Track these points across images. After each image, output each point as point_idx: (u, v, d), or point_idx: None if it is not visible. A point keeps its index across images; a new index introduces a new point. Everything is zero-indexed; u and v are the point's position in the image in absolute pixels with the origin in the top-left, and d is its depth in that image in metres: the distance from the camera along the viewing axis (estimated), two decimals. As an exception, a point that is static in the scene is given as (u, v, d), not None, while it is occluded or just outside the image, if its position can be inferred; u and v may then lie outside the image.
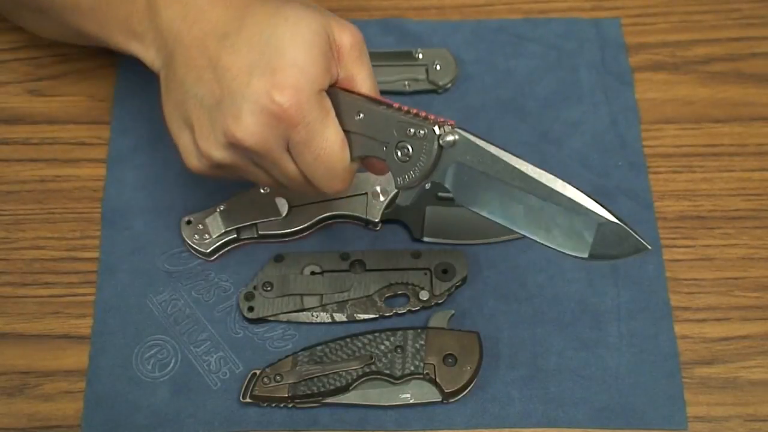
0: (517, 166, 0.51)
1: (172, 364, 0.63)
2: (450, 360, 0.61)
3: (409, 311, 0.64)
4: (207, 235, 0.64)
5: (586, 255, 0.51)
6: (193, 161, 0.56)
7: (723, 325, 0.64)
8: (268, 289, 0.64)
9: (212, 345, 0.63)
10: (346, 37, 0.54)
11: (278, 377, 0.60)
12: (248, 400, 0.61)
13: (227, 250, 0.66)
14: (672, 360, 0.62)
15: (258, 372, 0.61)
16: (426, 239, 0.66)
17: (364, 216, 0.66)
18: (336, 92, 0.54)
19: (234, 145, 0.53)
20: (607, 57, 0.73)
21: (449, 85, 0.72)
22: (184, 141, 0.56)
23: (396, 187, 0.54)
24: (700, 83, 0.72)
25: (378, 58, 0.72)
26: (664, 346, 0.63)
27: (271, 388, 0.60)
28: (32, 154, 0.70)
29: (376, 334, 0.61)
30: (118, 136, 0.70)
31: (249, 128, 0.52)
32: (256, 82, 0.51)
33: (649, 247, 0.50)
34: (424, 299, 0.64)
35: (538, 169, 0.51)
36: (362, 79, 0.55)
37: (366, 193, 0.66)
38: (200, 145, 0.54)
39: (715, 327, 0.64)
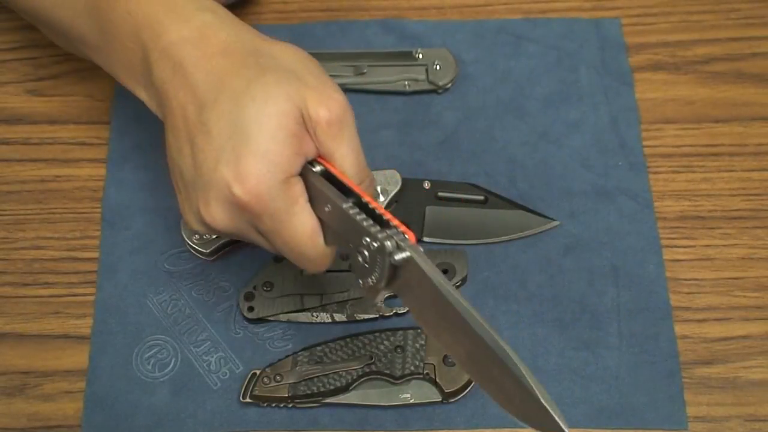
0: (460, 311, 0.46)
1: (172, 364, 0.63)
2: (450, 360, 0.61)
3: (409, 311, 0.64)
4: (207, 235, 0.64)
5: (513, 415, 0.46)
6: (189, 221, 0.55)
7: (723, 325, 0.64)
8: (268, 289, 0.64)
9: (212, 345, 0.63)
10: (323, 111, 0.51)
11: (278, 377, 0.60)
12: (248, 400, 0.61)
13: (227, 250, 0.66)
14: (672, 360, 0.62)
15: (258, 372, 0.61)
16: (426, 239, 0.66)
17: (364, 216, 0.65)
18: (310, 174, 0.51)
19: (210, 228, 0.53)
20: (607, 57, 0.73)
21: (449, 85, 0.72)
22: (179, 200, 0.56)
23: (360, 288, 0.51)
24: (700, 83, 0.72)
25: (378, 58, 0.72)
26: (664, 346, 0.63)
27: (271, 388, 0.60)
28: (32, 154, 0.70)
29: (376, 334, 0.61)
30: (118, 136, 0.70)
31: (215, 216, 0.51)
32: (221, 170, 0.50)
33: (566, 430, 0.45)
34: (424, 299, 0.63)
35: (480, 321, 0.45)
36: (342, 156, 0.52)
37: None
38: (185, 214, 0.55)
39: (715, 327, 0.64)
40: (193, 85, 0.52)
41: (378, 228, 0.49)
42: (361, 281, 0.50)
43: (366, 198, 0.50)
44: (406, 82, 0.71)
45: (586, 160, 0.69)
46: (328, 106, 0.51)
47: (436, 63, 0.71)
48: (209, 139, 0.51)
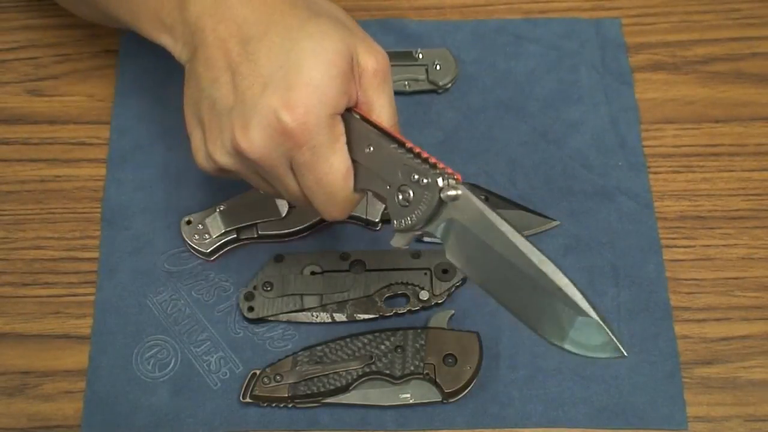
0: (513, 239, 0.48)
1: (172, 364, 0.63)
2: (450, 360, 0.61)
3: (409, 311, 0.64)
4: (207, 235, 0.64)
5: (562, 344, 0.48)
6: (200, 160, 0.55)
7: (723, 325, 0.64)
8: (268, 289, 0.64)
9: (212, 345, 0.63)
10: (371, 61, 0.52)
11: (278, 377, 0.60)
12: (248, 400, 0.61)
13: (227, 250, 0.66)
14: (672, 360, 0.62)
15: (258, 372, 0.61)
16: (426, 239, 0.66)
17: (364, 216, 0.66)
18: (351, 118, 0.52)
19: (239, 154, 0.52)
20: (607, 57, 0.73)
21: (449, 85, 0.72)
22: (195, 138, 0.55)
23: (393, 229, 0.52)
24: (700, 83, 0.72)
25: (378, 58, 0.72)
26: (664, 346, 0.63)
27: (271, 388, 0.60)
28: (32, 154, 0.70)
29: (376, 334, 0.61)
30: (118, 136, 0.70)
31: (254, 141, 0.51)
32: (268, 96, 0.50)
33: (626, 354, 0.47)
34: (424, 299, 0.64)
35: (533, 248, 0.48)
36: (381, 107, 0.53)
37: (366, 193, 0.66)
38: (208, 147, 0.54)
39: (715, 327, 0.64)
40: (238, 19, 0.52)
41: (427, 166, 0.50)
42: (395, 221, 0.51)
43: (408, 143, 0.51)
44: (406, 82, 0.71)
45: (586, 160, 0.69)
46: (375, 56, 0.53)
47: (436, 63, 0.71)
48: (256, 67, 0.51)
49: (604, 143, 0.70)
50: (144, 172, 0.69)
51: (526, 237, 0.49)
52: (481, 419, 0.61)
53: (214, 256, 0.65)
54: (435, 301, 0.64)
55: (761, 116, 0.71)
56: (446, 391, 0.60)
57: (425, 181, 0.50)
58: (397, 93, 0.71)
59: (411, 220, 0.51)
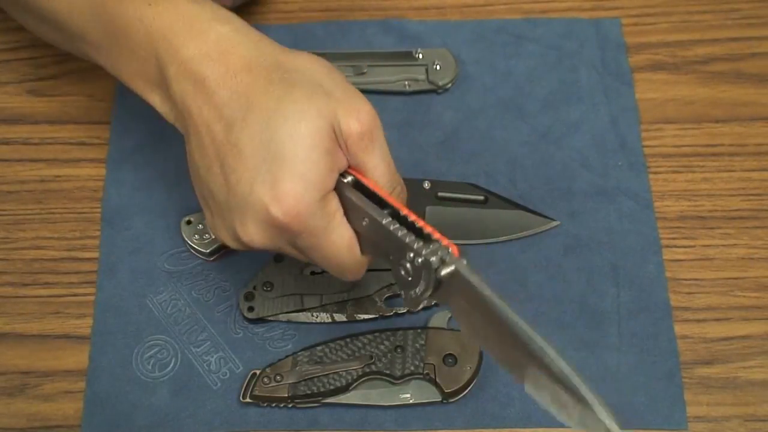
0: (511, 319, 0.46)
1: (172, 364, 0.63)
2: (450, 360, 0.61)
3: (409, 311, 0.64)
4: (207, 235, 0.64)
5: (570, 425, 0.46)
6: (221, 237, 0.55)
7: (723, 325, 0.64)
8: (268, 289, 0.64)
9: (212, 345, 0.63)
10: (355, 125, 0.51)
11: (278, 377, 0.60)
12: (248, 400, 0.61)
13: (227, 250, 0.65)
14: (672, 360, 0.62)
15: (258, 372, 0.61)
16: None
17: (364, 216, 0.66)
18: (344, 188, 0.51)
19: (242, 244, 0.53)
20: (607, 57, 0.73)
21: (449, 85, 0.72)
22: (207, 215, 0.56)
23: (405, 299, 0.52)
24: (700, 83, 0.72)
25: (378, 58, 0.72)
26: (664, 346, 0.63)
27: (271, 388, 0.60)
28: (32, 154, 0.70)
29: (376, 334, 0.61)
30: (118, 136, 0.70)
31: (253, 235, 0.51)
32: (257, 192, 0.50)
33: None
34: (424, 299, 0.63)
35: (530, 330, 0.46)
36: (374, 167, 0.52)
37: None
38: (217, 232, 0.54)
39: (715, 327, 0.64)
40: (219, 103, 0.51)
41: (420, 243, 0.49)
42: (404, 292, 0.51)
43: (404, 210, 0.51)
44: (406, 82, 0.71)
45: (586, 160, 0.69)
46: (358, 118, 0.51)
47: (436, 63, 0.71)
48: (242, 160, 0.50)
49: (604, 143, 0.70)
50: (144, 172, 0.69)
51: (522, 320, 0.46)
52: (481, 419, 0.61)
53: (214, 256, 0.65)
54: (435, 301, 0.64)
55: (761, 116, 0.71)
56: (446, 391, 0.60)
57: (419, 260, 0.49)
58: (397, 93, 0.72)
59: (417, 293, 0.50)
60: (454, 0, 0.76)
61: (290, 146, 0.49)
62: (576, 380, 0.44)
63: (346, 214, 0.52)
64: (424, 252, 0.49)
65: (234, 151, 0.50)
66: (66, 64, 0.73)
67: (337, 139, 0.51)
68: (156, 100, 0.56)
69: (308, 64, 0.53)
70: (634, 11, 0.75)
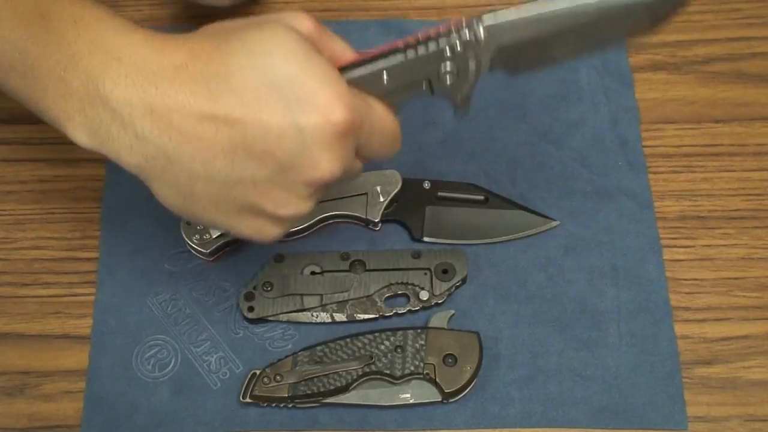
0: (552, 9, 0.51)
1: (172, 364, 0.63)
2: (450, 360, 0.61)
3: (409, 311, 0.64)
4: (207, 235, 0.64)
5: (649, 27, 0.54)
6: (272, 232, 0.52)
7: (723, 325, 0.64)
8: (268, 289, 0.64)
9: (212, 345, 0.63)
10: (307, 23, 0.51)
11: (278, 377, 0.60)
12: (248, 400, 0.61)
13: (227, 250, 0.66)
14: (672, 360, 0.62)
15: (258, 372, 0.61)
16: (426, 239, 0.66)
17: (364, 216, 0.66)
18: (348, 74, 0.52)
19: (321, 186, 0.50)
20: (607, 57, 0.73)
21: (449, 85, 0.72)
22: (251, 224, 0.52)
23: (455, 105, 0.54)
24: (700, 83, 0.72)
25: (378, 58, 0.72)
26: (664, 346, 0.63)
27: (271, 388, 0.60)
28: (32, 154, 0.70)
29: (376, 334, 0.61)
30: (118, 136, 0.70)
31: (330, 163, 0.49)
32: (305, 121, 0.47)
33: None
34: (424, 299, 0.64)
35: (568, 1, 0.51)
36: (342, 50, 0.53)
37: (366, 193, 0.66)
38: (281, 214, 0.51)
39: (715, 327, 0.64)
40: (194, 83, 0.48)
41: (444, 38, 0.51)
42: (457, 97, 0.53)
43: (400, 44, 0.52)
44: (406, 82, 0.71)
45: (586, 160, 0.69)
46: (304, 17, 0.51)
47: (436, 63, 0.71)
48: (267, 118, 0.47)
49: (604, 143, 0.70)
50: (144, 172, 0.69)
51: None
52: (481, 419, 0.61)
53: (214, 256, 0.65)
54: (435, 301, 0.64)
55: (761, 116, 0.71)
56: (446, 391, 0.60)
57: (459, 49, 0.51)
58: (397, 93, 0.71)
59: (470, 83, 0.53)
60: (454, 0, 0.76)
61: (293, 66, 0.48)
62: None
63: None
64: (454, 37, 0.51)
65: (249, 118, 0.47)
66: (66, 64, 0.73)
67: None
68: (78, 132, 0.50)
69: (212, 28, 0.51)
70: (634, 11, 0.75)
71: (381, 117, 0.52)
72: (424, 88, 0.53)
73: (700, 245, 0.66)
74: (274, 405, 0.61)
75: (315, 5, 0.75)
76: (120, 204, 0.68)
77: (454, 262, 0.64)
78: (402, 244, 0.66)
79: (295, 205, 0.51)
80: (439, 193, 0.66)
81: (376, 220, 0.66)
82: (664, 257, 0.66)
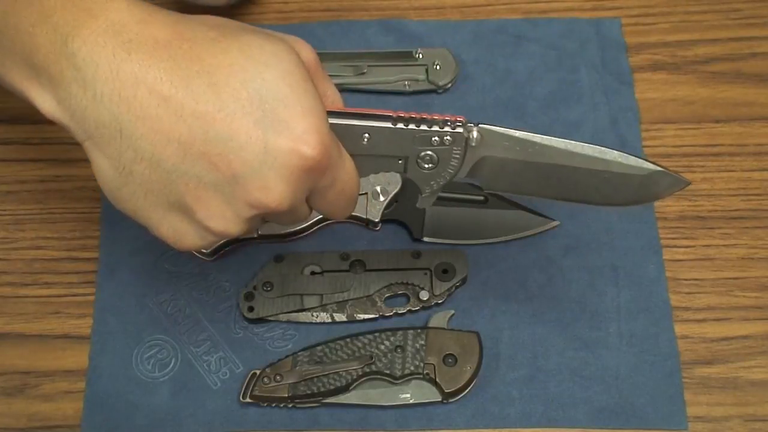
0: (544, 143, 0.52)
1: (172, 364, 0.63)
2: (450, 360, 0.61)
3: (409, 311, 0.64)
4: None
5: (635, 202, 0.53)
6: (189, 241, 0.49)
7: (723, 325, 0.64)
8: (268, 289, 0.64)
9: (212, 345, 0.63)
10: (309, 54, 0.50)
11: (278, 377, 0.60)
12: (248, 400, 0.61)
13: (227, 250, 0.66)
14: (672, 360, 0.62)
15: (258, 372, 0.61)
16: (426, 239, 0.66)
17: (364, 216, 0.66)
18: (332, 119, 0.49)
19: (260, 213, 0.48)
20: (607, 57, 0.73)
21: (449, 85, 0.72)
22: (173, 225, 0.48)
23: (421, 195, 0.54)
24: (700, 83, 0.72)
25: (378, 58, 0.72)
26: (664, 346, 0.63)
27: (271, 388, 0.60)
28: (32, 154, 0.70)
29: (376, 334, 0.61)
30: (118, 136, 0.70)
31: (281, 194, 0.46)
32: (274, 143, 0.45)
33: (689, 182, 0.53)
34: (424, 299, 0.64)
35: (563, 141, 0.52)
36: (333, 94, 0.52)
37: (366, 193, 0.66)
38: (209, 225, 0.47)
39: (715, 327, 0.64)
40: (166, 67, 0.45)
41: (436, 126, 0.51)
42: (425, 187, 0.54)
43: (393, 113, 0.51)
44: (406, 82, 0.71)
45: (586, 160, 0.69)
46: (307, 47, 0.50)
47: (436, 63, 0.71)
48: (236, 123, 0.45)
49: (604, 143, 0.69)
50: (144, 172, 0.69)
51: (554, 138, 0.52)
52: (481, 419, 0.61)
53: (214, 256, 0.65)
54: (435, 301, 0.64)
55: (761, 116, 0.71)
56: (446, 391, 0.60)
57: (448, 139, 0.51)
58: (397, 93, 0.72)
59: (443, 178, 0.53)
60: (454, 0, 0.76)
61: (285, 86, 0.46)
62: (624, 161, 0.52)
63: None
64: (447, 130, 0.51)
65: (221, 116, 0.45)
66: (66, 64, 0.73)
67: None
68: (39, 91, 0.48)
69: (214, 19, 0.49)
70: (634, 11, 0.75)
71: (347, 173, 0.50)
72: (399, 163, 0.52)
73: (700, 245, 0.66)
74: (274, 405, 0.61)
75: (315, 5, 0.75)
76: (120, 204, 0.68)
77: (454, 262, 0.64)
78: (402, 244, 0.66)
79: (226, 222, 0.47)
80: (440, 193, 0.66)
81: (376, 220, 0.66)
82: (664, 257, 0.66)
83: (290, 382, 0.60)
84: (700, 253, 0.66)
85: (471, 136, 0.51)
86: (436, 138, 0.51)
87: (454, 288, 0.64)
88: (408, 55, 0.72)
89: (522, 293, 0.65)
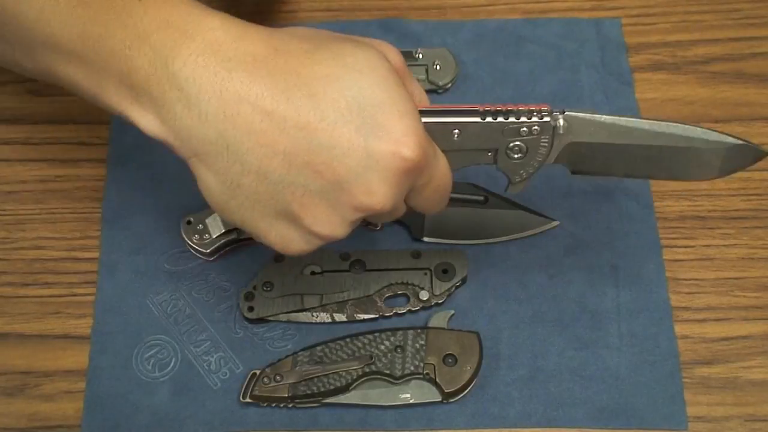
0: (630, 125, 0.53)
1: (172, 364, 0.63)
2: (450, 360, 0.61)
3: (409, 311, 0.64)
4: (207, 235, 0.64)
5: (716, 175, 0.56)
6: (298, 246, 0.51)
7: (723, 325, 0.64)
8: (268, 289, 0.64)
9: (212, 345, 0.63)
10: (396, 58, 0.52)
11: (278, 377, 0.60)
12: (248, 400, 0.61)
13: (227, 250, 0.66)
14: (672, 360, 0.62)
15: (258, 372, 0.61)
16: (426, 239, 0.66)
17: (364, 216, 0.66)
18: (423, 119, 0.51)
19: (363, 216, 0.50)
20: (607, 57, 0.73)
21: (449, 85, 0.72)
22: (281, 232, 0.50)
23: (512, 184, 0.56)
24: (700, 83, 0.72)
25: (378, 58, 0.72)
26: (664, 346, 0.63)
27: (271, 388, 0.60)
28: (32, 154, 0.70)
29: (376, 334, 0.61)
30: (118, 135, 0.70)
31: (384, 196, 0.48)
32: (375, 147, 0.47)
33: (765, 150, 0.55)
34: (424, 299, 0.64)
35: (648, 121, 0.53)
36: (419, 93, 0.54)
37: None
38: (316, 230, 0.49)
39: (715, 327, 0.64)
40: (266, 82, 0.47)
41: (524, 117, 0.52)
42: (515, 176, 0.55)
43: (475, 106, 0.53)
44: (406, 82, 0.71)
45: (586, 160, 0.69)
46: (394, 50, 0.53)
47: (436, 63, 0.71)
48: (337, 132, 0.47)
49: (604, 143, 0.70)
50: (144, 171, 0.69)
51: (636, 117, 0.54)
52: (481, 419, 0.61)
53: (214, 256, 0.65)
54: (435, 301, 0.64)
55: (761, 116, 0.71)
56: (446, 391, 0.60)
57: (536, 129, 0.53)
58: (397, 93, 0.71)
59: (532, 166, 0.55)
60: (454, 0, 0.76)
61: (381, 92, 0.48)
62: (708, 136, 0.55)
63: None
64: (535, 120, 0.52)
65: (321, 127, 0.47)
66: (66, 64, 0.73)
67: None
68: (141, 112, 0.49)
69: (303, 30, 0.51)
70: (634, 11, 0.75)
71: (442, 170, 0.52)
72: (488, 155, 0.54)
73: (700, 245, 0.66)
74: (274, 405, 0.61)
75: (316, 5, 0.75)
76: (120, 204, 0.68)
77: (454, 262, 0.64)
78: (402, 244, 0.66)
79: (333, 226, 0.50)
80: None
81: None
82: (664, 257, 0.66)
83: (290, 382, 0.60)
84: (700, 253, 0.66)
85: (558, 124, 0.53)
86: (525, 128, 0.52)
87: (454, 288, 0.64)
88: (408, 55, 0.72)
89: (522, 293, 0.65)
